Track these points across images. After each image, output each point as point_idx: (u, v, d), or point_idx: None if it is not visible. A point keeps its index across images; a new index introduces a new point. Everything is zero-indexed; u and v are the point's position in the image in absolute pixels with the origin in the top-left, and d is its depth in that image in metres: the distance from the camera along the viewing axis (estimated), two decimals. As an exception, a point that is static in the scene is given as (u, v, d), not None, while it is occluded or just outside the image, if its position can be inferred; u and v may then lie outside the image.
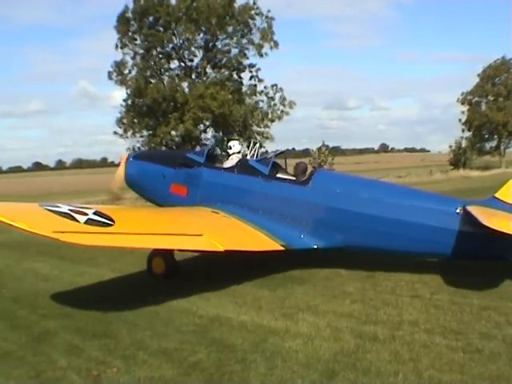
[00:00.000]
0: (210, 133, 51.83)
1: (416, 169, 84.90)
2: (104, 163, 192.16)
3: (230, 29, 49.74)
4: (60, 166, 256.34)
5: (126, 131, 50.59)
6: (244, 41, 50.00)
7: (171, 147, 47.87)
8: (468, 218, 12.42)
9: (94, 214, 11.74)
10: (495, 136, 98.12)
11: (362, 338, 9.20)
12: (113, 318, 10.81)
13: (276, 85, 51.41)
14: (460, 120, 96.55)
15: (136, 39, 50.11)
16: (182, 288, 12.99)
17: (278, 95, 51.21)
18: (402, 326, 9.79)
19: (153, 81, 49.73)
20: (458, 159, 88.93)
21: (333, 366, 8.00)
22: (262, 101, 51.43)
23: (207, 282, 13.50)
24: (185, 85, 49.96)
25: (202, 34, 50.04)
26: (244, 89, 51.18)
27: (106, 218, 11.68)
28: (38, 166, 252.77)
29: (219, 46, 50.55)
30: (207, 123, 50.33)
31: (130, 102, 50.66)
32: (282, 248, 13.61)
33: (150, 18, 48.99)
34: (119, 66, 49.91)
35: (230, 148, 16.69)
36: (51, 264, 16.60)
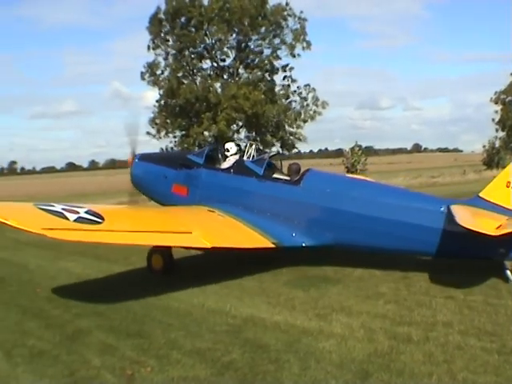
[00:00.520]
0: (242, 133, 51.88)
1: (449, 169, 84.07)
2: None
3: (262, 29, 49.77)
4: (93, 166, 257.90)
5: (158, 132, 50.92)
6: (276, 41, 50.03)
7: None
8: (451, 217, 12.64)
9: (86, 212, 12.41)
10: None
11: (396, 339, 9.14)
12: (146, 318, 10.86)
13: (309, 85, 51.49)
14: (493, 119, 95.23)
15: (168, 40, 50.43)
16: (215, 288, 13.04)
17: (310, 95, 51.20)
18: (435, 327, 9.71)
19: (185, 81, 49.97)
20: (492, 159, 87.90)
21: (366, 367, 7.96)
22: (295, 101, 51.42)
23: (240, 283, 13.53)
24: (217, 85, 50.10)
25: (234, 35, 50.19)
26: (277, 89, 51.15)
27: (96, 217, 12.34)
28: (72, 167, 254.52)
29: (251, 47, 50.65)
30: (240, 123, 50.36)
31: (162, 102, 50.96)
32: (273, 245, 14.18)
33: (183, 19, 49.27)
34: (152, 66, 50.27)
35: (228, 150, 17.22)
36: (85, 263, 16.71)
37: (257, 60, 50.25)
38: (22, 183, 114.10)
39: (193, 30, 49.24)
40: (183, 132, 50.06)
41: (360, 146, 59.61)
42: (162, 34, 50.13)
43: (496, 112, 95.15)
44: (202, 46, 50.23)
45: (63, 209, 12.19)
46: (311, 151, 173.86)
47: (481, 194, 13.50)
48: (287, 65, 50.82)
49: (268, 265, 15.04)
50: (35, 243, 19.82)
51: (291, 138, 50.86)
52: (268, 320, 10.40)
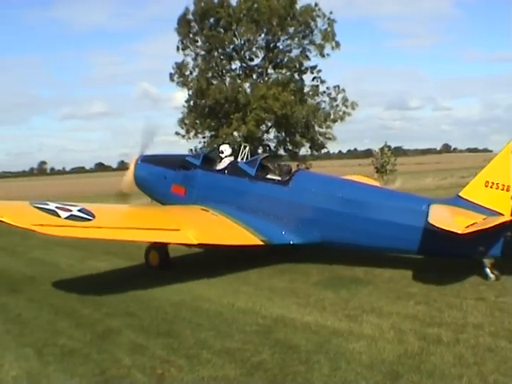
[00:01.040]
0: (272, 133, 51.77)
1: (479, 169, 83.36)
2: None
3: (291, 29, 49.64)
4: (122, 166, 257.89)
5: (188, 132, 50.85)
6: (305, 41, 49.85)
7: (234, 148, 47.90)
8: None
9: (79, 210, 13.31)
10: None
11: (426, 340, 9.12)
12: (176, 318, 10.93)
13: (338, 86, 51.13)
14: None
15: (197, 41, 50.36)
16: (246, 289, 13.08)
17: (340, 96, 50.90)
18: (466, 328, 9.67)
19: (214, 82, 49.88)
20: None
21: (397, 368, 7.95)
22: (324, 101, 51.19)
23: (270, 284, 13.56)
24: (246, 85, 49.99)
25: (263, 35, 50.00)
26: (306, 89, 51.01)
27: (87, 214, 13.23)
28: (101, 167, 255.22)
29: (280, 47, 50.49)
30: (269, 124, 50.27)
31: (191, 103, 50.92)
32: (262, 243, 14.94)
33: (211, 20, 49.12)
34: (180, 67, 50.28)
35: (222, 152, 18.00)
36: (115, 263, 16.82)
37: (286, 60, 50.19)
38: (52, 183, 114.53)
39: (221, 30, 49.17)
40: (212, 132, 50.04)
41: (389, 147, 59.13)
42: (191, 35, 50.05)
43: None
44: (231, 46, 50.26)
45: (57, 207, 13.14)
46: (340, 151, 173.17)
47: (461, 194, 13.90)
48: (315, 66, 50.71)
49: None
50: (67, 244, 19.94)
51: (320, 138, 50.70)
52: (298, 321, 10.43)
